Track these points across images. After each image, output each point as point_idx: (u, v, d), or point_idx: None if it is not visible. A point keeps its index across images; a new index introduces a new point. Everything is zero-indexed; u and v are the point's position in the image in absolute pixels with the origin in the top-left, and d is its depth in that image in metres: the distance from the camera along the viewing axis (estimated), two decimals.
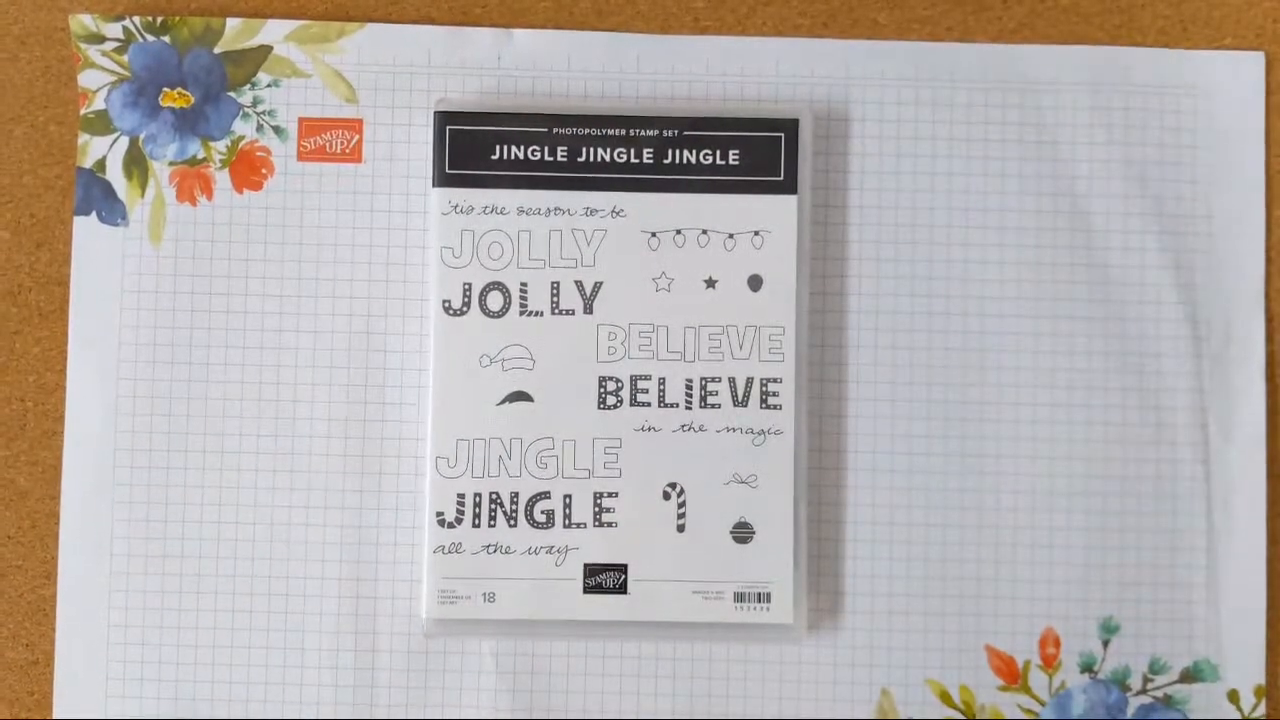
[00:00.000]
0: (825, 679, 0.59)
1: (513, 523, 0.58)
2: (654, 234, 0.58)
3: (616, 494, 0.58)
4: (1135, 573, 0.59)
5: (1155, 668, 0.59)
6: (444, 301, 0.58)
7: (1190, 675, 0.59)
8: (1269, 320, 0.60)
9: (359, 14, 0.61)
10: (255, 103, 0.60)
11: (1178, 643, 0.59)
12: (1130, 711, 0.59)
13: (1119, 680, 0.59)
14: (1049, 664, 0.59)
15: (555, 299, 0.58)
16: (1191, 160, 0.60)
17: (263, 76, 0.60)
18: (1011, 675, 0.59)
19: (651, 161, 0.59)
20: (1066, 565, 0.59)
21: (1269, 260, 0.60)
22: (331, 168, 0.60)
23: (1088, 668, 0.59)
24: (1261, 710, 0.59)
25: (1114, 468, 0.59)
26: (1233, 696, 0.59)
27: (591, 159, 0.59)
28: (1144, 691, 0.59)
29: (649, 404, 0.58)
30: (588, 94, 0.60)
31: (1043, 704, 0.59)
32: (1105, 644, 0.59)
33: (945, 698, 0.59)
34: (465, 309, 0.58)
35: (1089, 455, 0.59)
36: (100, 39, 0.60)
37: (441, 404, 0.58)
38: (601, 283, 0.58)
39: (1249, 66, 0.61)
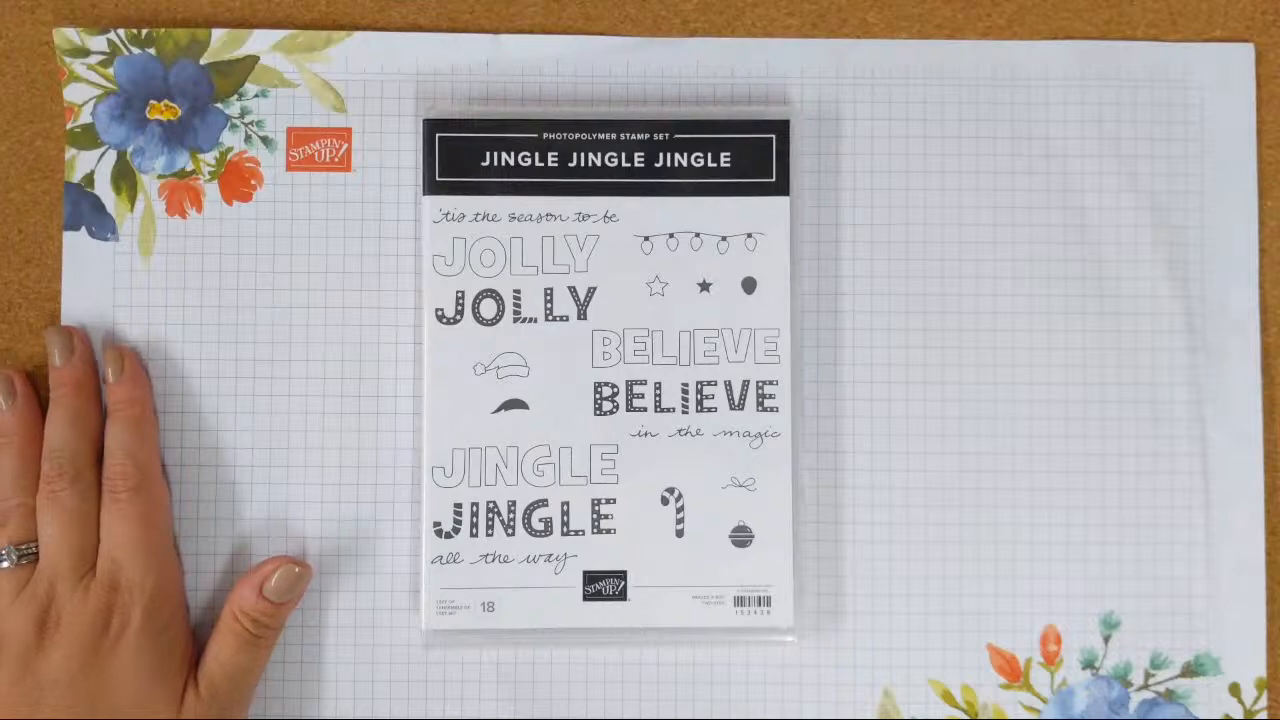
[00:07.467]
0: (827, 681, 0.59)
1: (510, 531, 0.57)
2: (647, 238, 0.58)
3: (614, 500, 0.58)
4: (1135, 568, 0.59)
5: (1156, 662, 0.59)
6: (437, 310, 0.58)
7: (1191, 669, 0.59)
8: (1263, 311, 0.60)
9: (346, 22, 0.60)
10: (243, 113, 0.60)
11: (1178, 637, 0.59)
12: (1132, 707, 0.59)
13: (1120, 676, 0.59)
14: (1050, 661, 0.59)
15: (549, 305, 0.58)
16: (1183, 153, 0.60)
17: (250, 87, 0.60)
18: (1013, 673, 0.59)
19: (643, 165, 0.58)
20: (1066, 562, 0.59)
21: (1262, 251, 0.60)
22: (321, 177, 0.60)
23: (1089, 664, 0.59)
24: (1263, 703, 0.59)
25: (1111, 463, 0.59)
26: (1234, 689, 0.59)
27: (582, 164, 0.58)
28: (1146, 686, 0.59)
29: (645, 409, 0.58)
30: (577, 98, 0.60)
31: (1045, 701, 0.59)
32: (1106, 640, 0.59)
33: (948, 697, 0.59)
34: (458, 317, 0.58)
35: (1086, 451, 0.59)
36: (85, 52, 0.59)
37: (436, 413, 0.58)
38: (595, 288, 0.58)
39: (1238, 58, 0.61)
